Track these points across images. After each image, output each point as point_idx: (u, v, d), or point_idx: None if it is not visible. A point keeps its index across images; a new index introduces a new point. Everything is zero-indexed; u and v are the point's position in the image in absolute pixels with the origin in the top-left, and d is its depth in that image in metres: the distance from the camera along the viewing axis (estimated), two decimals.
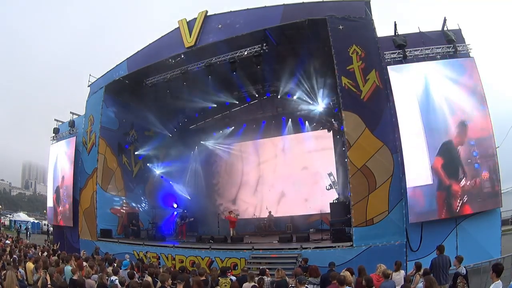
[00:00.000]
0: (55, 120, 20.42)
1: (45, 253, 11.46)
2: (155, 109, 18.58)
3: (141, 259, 12.12)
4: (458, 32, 11.37)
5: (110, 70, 17.02)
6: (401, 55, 11.26)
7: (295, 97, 17.43)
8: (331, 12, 11.73)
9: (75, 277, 6.74)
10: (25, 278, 7.76)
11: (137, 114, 18.66)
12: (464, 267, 7.30)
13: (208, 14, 14.18)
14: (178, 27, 14.61)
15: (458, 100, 10.60)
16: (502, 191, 10.30)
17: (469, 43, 11.24)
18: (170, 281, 6.01)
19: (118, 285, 6.16)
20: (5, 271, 6.88)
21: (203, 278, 7.16)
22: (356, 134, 10.92)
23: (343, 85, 11.24)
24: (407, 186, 10.20)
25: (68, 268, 7.42)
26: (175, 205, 19.60)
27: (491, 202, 10.01)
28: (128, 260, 9.94)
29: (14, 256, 9.83)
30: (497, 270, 4.84)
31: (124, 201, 17.74)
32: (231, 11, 13.77)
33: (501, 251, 9.73)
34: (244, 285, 6.71)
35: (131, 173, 18.71)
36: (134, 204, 18.26)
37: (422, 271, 7.07)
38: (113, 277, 7.04)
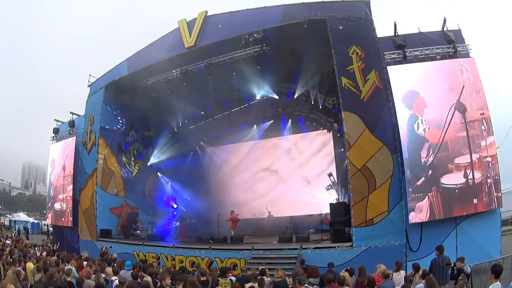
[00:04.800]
0: (55, 120, 20.46)
1: (45, 253, 11.47)
2: (155, 109, 18.58)
3: (142, 260, 12.15)
4: (458, 33, 11.38)
5: (110, 70, 17.02)
6: (401, 56, 11.27)
7: (295, 97, 17.44)
8: (331, 13, 11.73)
9: (68, 279, 6.73)
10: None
11: (137, 114, 18.66)
12: (469, 266, 7.32)
13: (208, 14, 14.18)
14: (178, 28, 14.61)
15: (458, 100, 10.59)
16: (502, 191, 10.30)
17: (469, 43, 11.27)
18: (168, 281, 5.99)
19: (118, 286, 6.15)
20: (5, 271, 6.89)
21: (204, 278, 7.16)
22: (356, 135, 10.91)
23: (343, 85, 11.24)
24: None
25: (71, 268, 7.43)
26: (174, 205, 19.58)
27: (491, 202, 10.00)
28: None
29: (14, 256, 9.82)
30: (496, 271, 4.82)
31: (124, 201, 17.73)
32: (231, 11, 13.76)
33: (501, 252, 9.73)
34: (247, 285, 6.70)
35: (131, 173, 18.71)
36: (134, 204, 18.24)
37: (421, 272, 7.06)
38: (113, 278, 7.03)
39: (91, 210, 16.28)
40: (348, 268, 7.69)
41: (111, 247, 13.82)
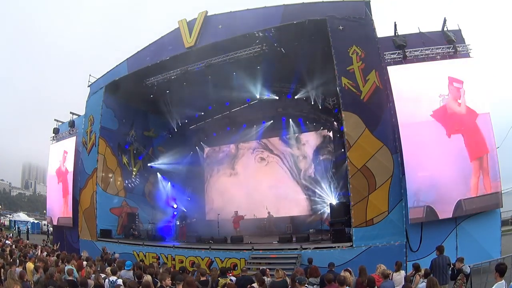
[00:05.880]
0: (55, 120, 20.45)
1: (45, 253, 11.47)
2: (155, 109, 18.59)
3: (143, 260, 12.12)
4: (458, 33, 11.37)
5: (110, 70, 17.03)
6: (401, 56, 11.27)
7: (295, 97, 17.44)
8: (331, 13, 11.74)
9: (69, 278, 6.72)
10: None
11: (137, 114, 18.67)
12: (469, 266, 7.31)
13: (208, 14, 14.19)
14: (178, 28, 14.62)
15: (458, 100, 10.59)
16: (502, 191, 10.28)
17: (469, 43, 11.25)
18: (169, 281, 5.99)
19: (121, 286, 6.15)
20: (5, 271, 6.88)
21: (203, 278, 7.16)
22: (356, 135, 10.91)
23: (343, 85, 11.24)
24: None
25: (72, 268, 7.41)
26: (174, 206, 19.59)
27: (491, 202, 9.99)
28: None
29: (14, 256, 9.82)
30: (500, 270, 4.80)
31: (124, 201, 17.73)
32: (231, 12, 13.77)
33: (501, 252, 9.73)
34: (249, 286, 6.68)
35: (131, 173, 18.71)
36: (134, 204, 18.25)
37: (422, 271, 7.06)
38: (112, 278, 7.02)
39: (91, 210, 16.28)
40: (346, 268, 7.68)
41: (114, 252, 13.40)
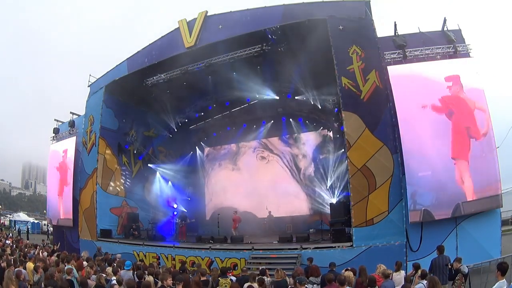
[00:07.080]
0: (55, 120, 20.48)
1: (45, 253, 11.48)
2: (155, 109, 18.59)
3: (142, 260, 12.11)
4: (458, 32, 11.38)
5: (110, 70, 17.01)
6: (401, 55, 11.28)
7: (295, 97, 17.44)
8: (331, 12, 11.74)
9: (68, 277, 6.71)
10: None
11: (137, 114, 18.67)
12: (467, 266, 7.31)
13: (208, 14, 14.18)
14: (178, 27, 14.61)
15: (458, 100, 10.60)
16: (502, 191, 10.28)
17: (469, 43, 11.27)
18: (170, 281, 5.99)
19: (116, 285, 6.15)
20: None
21: (204, 278, 7.16)
22: (356, 134, 10.92)
23: (343, 85, 11.24)
24: None
25: (71, 268, 7.41)
26: (174, 205, 19.58)
27: (491, 202, 9.99)
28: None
29: (14, 256, 9.82)
30: (502, 268, 4.80)
31: (124, 201, 17.73)
32: (231, 11, 13.77)
33: (501, 251, 9.73)
34: (245, 285, 6.70)
35: (131, 173, 18.69)
36: (134, 204, 18.24)
37: (420, 272, 7.04)
38: (113, 277, 7.02)
39: (91, 210, 16.28)
40: (349, 268, 7.69)
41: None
